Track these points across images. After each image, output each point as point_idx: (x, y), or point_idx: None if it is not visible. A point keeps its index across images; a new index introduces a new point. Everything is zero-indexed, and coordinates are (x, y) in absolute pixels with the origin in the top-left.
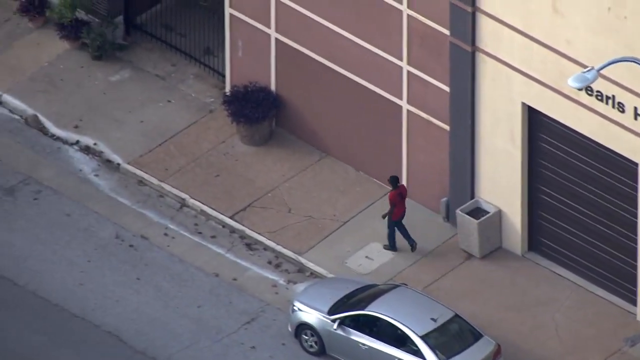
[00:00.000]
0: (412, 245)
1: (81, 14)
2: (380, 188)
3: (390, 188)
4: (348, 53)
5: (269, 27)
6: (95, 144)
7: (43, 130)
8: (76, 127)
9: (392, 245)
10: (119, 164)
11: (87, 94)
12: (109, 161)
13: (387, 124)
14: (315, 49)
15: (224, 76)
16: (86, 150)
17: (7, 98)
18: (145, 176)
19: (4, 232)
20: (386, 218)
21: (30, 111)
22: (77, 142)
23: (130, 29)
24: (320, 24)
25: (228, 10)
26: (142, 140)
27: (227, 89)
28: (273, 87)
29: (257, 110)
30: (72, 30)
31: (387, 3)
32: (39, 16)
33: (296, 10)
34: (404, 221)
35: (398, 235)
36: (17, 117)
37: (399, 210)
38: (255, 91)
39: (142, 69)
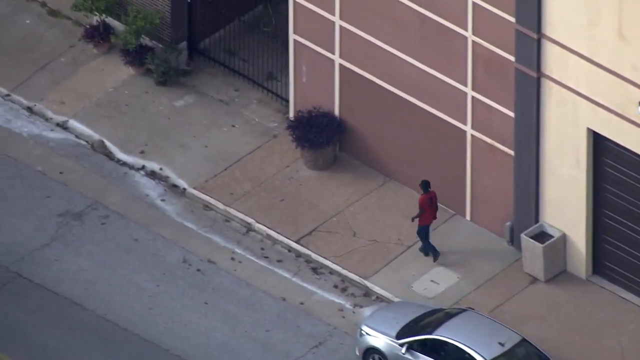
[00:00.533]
0: (435, 255)
1: (145, 40)
2: (443, 212)
3: (421, 192)
4: (412, 78)
5: (333, 52)
6: (161, 169)
7: (109, 155)
8: (142, 152)
9: (433, 251)
10: (184, 189)
11: (152, 119)
12: (175, 186)
13: (450, 149)
14: (379, 74)
15: (287, 101)
16: (152, 175)
17: (74, 123)
18: (211, 201)
19: (73, 256)
20: (416, 225)
21: (96, 136)
22: (143, 167)
23: (193, 54)
24: (385, 49)
25: (292, 36)
26: (207, 165)
27: (291, 114)
28: (337, 112)
29: (322, 135)
30: (136, 56)
31: (452, 29)
32: (104, 42)
33: (360, 36)
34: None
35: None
36: (83, 142)
37: (428, 216)
38: (319, 116)
39: (205, 94)
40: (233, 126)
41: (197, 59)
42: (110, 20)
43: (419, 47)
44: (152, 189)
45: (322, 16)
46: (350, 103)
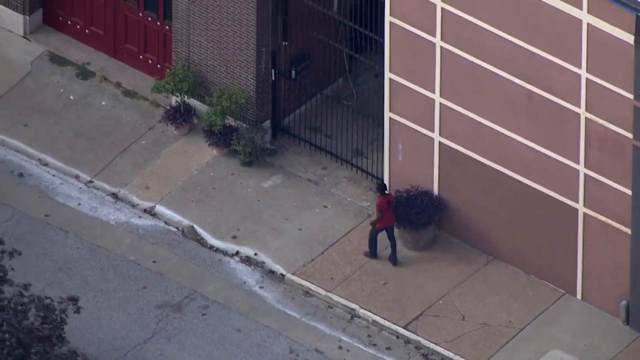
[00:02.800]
0: (372, 255)
1: (229, 120)
2: (553, 292)
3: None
4: (519, 156)
5: (432, 130)
6: (255, 254)
7: (201, 241)
8: (234, 237)
9: (373, 250)
10: (282, 275)
11: (241, 202)
12: (272, 272)
13: (560, 227)
14: (482, 152)
15: (377, 178)
16: (247, 261)
17: (161, 209)
18: (312, 287)
19: (176, 350)
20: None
21: (185, 222)
22: (237, 252)
23: (277, 132)
24: (489, 126)
25: (388, 114)
26: (303, 248)
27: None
28: (435, 190)
29: (422, 215)
30: (221, 138)
31: (563, 106)
32: (185, 123)
33: (462, 113)
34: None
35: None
36: (173, 228)
37: (387, 219)
38: (418, 195)
39: (293, 174)
40: (325, 207)
41: (280, 138)
42: (190, 101)
43: (526, 124)
44: (248, 276)
45: (421, 94)
46: (451, 181)
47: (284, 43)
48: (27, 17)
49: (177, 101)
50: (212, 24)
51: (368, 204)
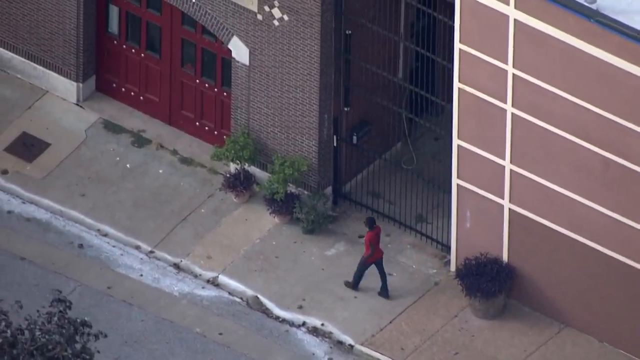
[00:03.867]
0: (355, 287)
1: (290, 187)
2: (627, 359)
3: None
4: (594, 223)
5: (501, 197)
6: (322, 324)
7: (266, 312)
8: (300, 307)
9: (356, 282)
10: (351, 345)
11: (305, 271)
12: (340, 342)
13: (635, 293)
14: (555, 219)
15: (442, 245)
16: (314, 331)
17: (224, 279)
18: (382, 357)
19: None
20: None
21: (250, 292)
22: (304, 323)
23: (338, 199)
24: (562, 194)
25: (455, 181)
26: (371, 318)
27: (452, 260)
28: (505, 258)
29: (494, 284)
30: (283, 205)
31: (638, 172)
32: (245, 191)
33: (534, 180)
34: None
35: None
36: (237, 299)
37: (377, 253)
38: (488, 263)
39: (356, 242)
40: (390, 274)
41: (342, 204)
42: (250, 168)
43: (600, 190)
44: (317, 347)
45: (490, 160)
46: (520, 248)
47: (345, 109)
48: (81, 85)
49: (236, 169)
50: (273, 91)
51: (434, 271)
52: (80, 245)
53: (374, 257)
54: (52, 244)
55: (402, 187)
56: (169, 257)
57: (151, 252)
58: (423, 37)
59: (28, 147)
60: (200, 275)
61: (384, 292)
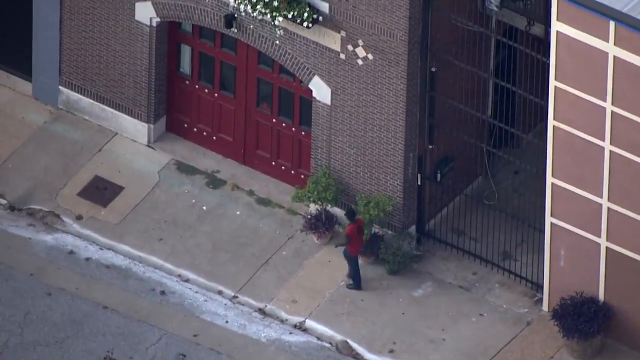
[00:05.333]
0: (357, 286)
1: (375, 228)
2: None
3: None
4: None
5: (598, 235)
6: None
7: (357, 357)
8: (391, 351)
9: (358, 281)
10: None
11: (393, 313)
12: None
13: None
14: None
15: (532, 283)
16: None
17: (312, 324)
18: None
19: None
20: (344, 252)
21: (338, 337)
22: None
23: (422, 237)
24: None
25: (549, 219)
26: None
27: (545, 299)
28: (601, 297)
29: (592, 324)
30: (367, 246)
31: None
32: (328, 232)
33: (632, 218)
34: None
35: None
36: (326, 344)
37: (357, 245)
38: (584, 303)
39: (443, 281)
40: (481, 315)
41: (425, 242)
42: (331, 208)
43: None
44: None
45: (586, 198)
46: (617, 286)
47: (430, 146)
48: (152, 126)
49: (317, 209)
50: (356, 130)
51: (526, 310)
52: (162, 292)
53: (356, 249)
54: (133, 291)
55: (485, 223)
56: (253, 302)
57: (235, 297)
58: (503, 69)
59: (101, 191)
60: (286, 320)
61: (356, 284)
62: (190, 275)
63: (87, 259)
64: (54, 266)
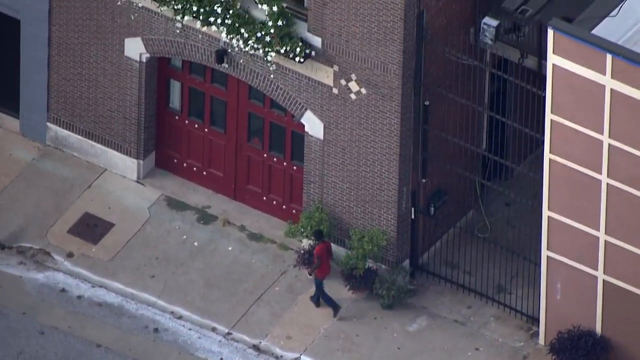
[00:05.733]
0: (336, 309)
1: (369, 262)
2: None
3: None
4: None
5: (595, 268)
6: None
7: None
8: None
9: (333, 304)
10: None
11: (390, 348)
12: None
13: None
14: None
15: (527, 316)
16: None
17: None
18: None
19: None
20: (313, 278)
21: None
22: None
23: (415, 271)
24: None
25: (545, 253)
26: None
27: (541, 332)
28: (598, 330)
29: (589, 358)
30: (361, 281)
31: None
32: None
33: (630, 251)
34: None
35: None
36: None
37: (325, 267)
38: (582, 336)
39: (438, 315)
40: (477, 349)
41: (419, 276)
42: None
43: None
44: None
45: (583, 231)
46: (615, 319)
47: (423, 180)
48: (141, 162)
49: (310, 244)
50: (349, 165)
51: (522, 344)
52: (156, 329)
53: (323, 272)
54: (126, 329)
55: (478, 256)
56: (247, 339)
57: (229, 333)
58: (495, 101)
59: (92, 228)
60: (281, 356)
61: (315, 299)
62: (184, 312)
63: (79, 297)
64: (47, 304)
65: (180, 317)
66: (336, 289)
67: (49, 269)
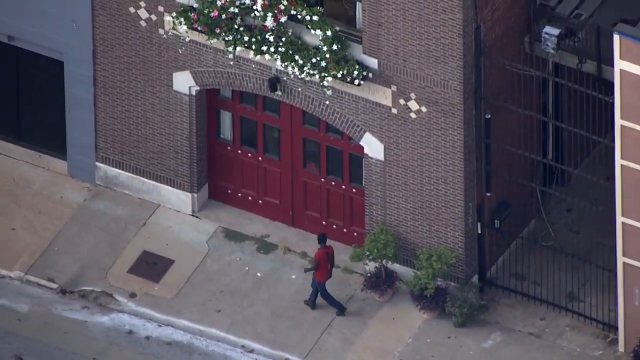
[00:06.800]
0: (341, 310)
1: (438, 281)
2: None
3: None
4: None
5: None
6: None
7: None
8: None
9: (339, 306)
10: None
11: None
12: None
13: None
14: None
15: (603, 323)
16: None
17: None
18: None
19: None
20: (312, 277)
21: None
22: None
23: (484, 286)
24: None
25: (621, 259)
26: None
27: (620, 340)
28: None
29: None
30: (432, 300)
31: None
32: (389, 289)
33: None
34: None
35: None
36: None
37: (325, 271)
38: None
39: (512, 329)
40: None
41: (488, 291)
42: (389, 264)
43: None
44: None
45: None
46: None
47: (487, 194)
48: (195, 195)
49: (376, 267)
50: (412, 184)
51: (600, 352)
52: None
53: (323, 276)
54: None
55: (545, 266)
56: None
57: None
58: (550, 106)
59: (151, 266)
60: None
61: (312, 302)
62: (255, 345)
63: (148, 338)
64: (116, 348)
65: (252, 351)
66: (405, 310)
67: (113, 311)
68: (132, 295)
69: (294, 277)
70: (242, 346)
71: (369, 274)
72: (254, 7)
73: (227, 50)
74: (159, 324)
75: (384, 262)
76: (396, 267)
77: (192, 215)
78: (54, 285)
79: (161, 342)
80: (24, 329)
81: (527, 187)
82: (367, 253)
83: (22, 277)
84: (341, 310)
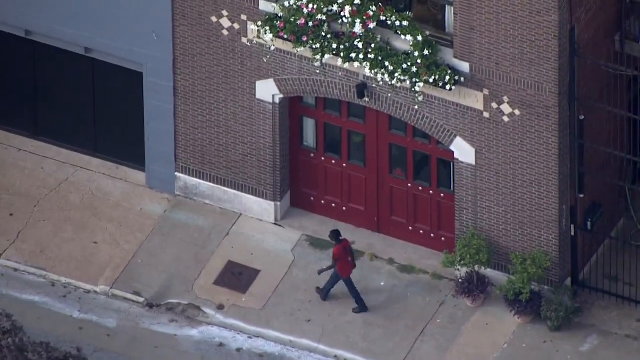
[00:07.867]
0: (362, 308)
1: (533, 285)
2: None
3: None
4: None
5: None
6: None
7: None
8: None
9: (362, 304)
10: None
11: None
12: None
13: None
14: None
15: None
16: None
17: None
18: None
19: None
20: (333, 277)
21: None
22: None
23: (577, 288)
24: None
25: None
26: None
27: None
28: None
29: None
30: (527, 305)
31: None
32: (481, 294)
33: None
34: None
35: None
36: None
37: (348, 266)
38: None
39: (608, 332)
40: None
41: (581, 294)
42: (481, 270)
43: None
44: None
45: None
46: None
47: (580, 195)
48: (278, 203)
49: (467, 272)
50: (504, 188)
51: None
52: None
53: (347, 270)
54: None
55: (636, 266)
56: None
57: None
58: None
59: (237, 277)
60: None
61: (361, 306)
62: (348, 355)
63: (239, 350)
64: None
65: None
66: (498, 315)
67: (202, 323)
68: (220, 307)
69: (382, 284)
70: (335, 356)
71: (460, 280)
72: (342, 14)
73: (314, 58)
74: (249, 335)
75: (476, 267)
76: (488, 272)
77: (275, 224)
78: (141, 299)
79: (253, 354)
80: (113, 345)
81: (615, 186)
82: (459, 259)
83: (108, 292)
84: (363, 308)
